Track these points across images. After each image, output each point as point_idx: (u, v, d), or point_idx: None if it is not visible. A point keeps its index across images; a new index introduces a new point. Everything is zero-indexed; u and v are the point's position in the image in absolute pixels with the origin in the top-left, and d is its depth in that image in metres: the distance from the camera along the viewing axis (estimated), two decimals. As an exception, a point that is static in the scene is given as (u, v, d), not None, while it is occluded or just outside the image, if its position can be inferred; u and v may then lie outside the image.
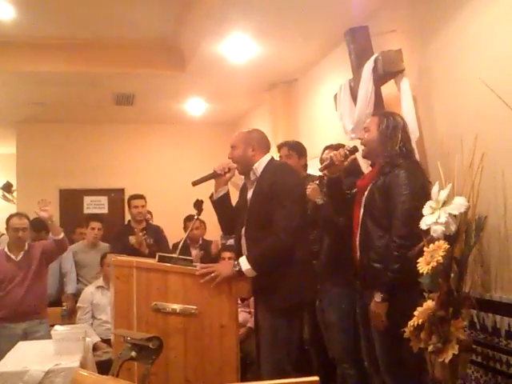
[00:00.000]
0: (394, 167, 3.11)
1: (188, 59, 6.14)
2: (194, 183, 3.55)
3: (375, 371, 3.32)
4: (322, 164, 4.02)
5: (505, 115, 2.66)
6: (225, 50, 5.48)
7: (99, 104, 7.95)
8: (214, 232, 6.51)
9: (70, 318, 5.65)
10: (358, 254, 3.26)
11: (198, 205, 3.55)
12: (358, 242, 3.27)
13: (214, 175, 3.57)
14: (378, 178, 3.18)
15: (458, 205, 2.79)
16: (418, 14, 3.94)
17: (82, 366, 3.54)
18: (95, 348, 4.94)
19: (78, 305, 5.50)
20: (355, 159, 3.75)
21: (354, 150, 3.45)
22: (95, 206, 9.32)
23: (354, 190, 3.48)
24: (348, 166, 3.56)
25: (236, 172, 3.57)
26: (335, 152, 3.46)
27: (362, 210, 3.27)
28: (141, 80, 6.75)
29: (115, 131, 9.19)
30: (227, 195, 3.60)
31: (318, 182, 3.89)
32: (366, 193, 3.27)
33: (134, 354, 1.98)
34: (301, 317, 3.50)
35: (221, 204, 3.59)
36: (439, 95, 3.67)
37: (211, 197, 3.60)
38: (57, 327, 3.94)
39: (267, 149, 3.52)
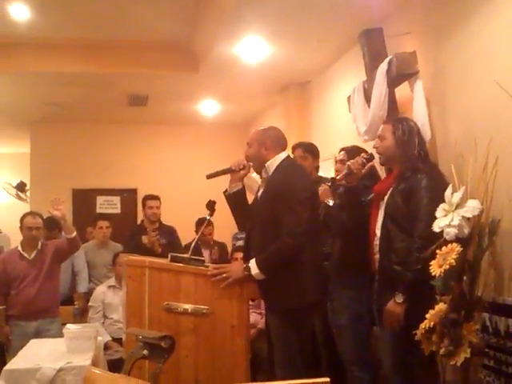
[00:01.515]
0: (415, 171, 3.14)
1: (201, 60, 6.17)
2: (209, 176, 3.58)
3: (391, 374, 3.33)
4: (335, 165, 4.04)
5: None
6: (238, 51, 5.49)
7: (113, 105, 8.00)
8: (224, 232, 6.53)
9: (81, 316, 5.68)
10: (378, 256, 3.27)
11: (211, 205, 3.57)
12: (377, 245, 3.28)
13: (229, 170, 3.58)
14: (399, 183, 3.21)
15: (472, 208, 2.79)
16: (432, 16, 3.93)
17: (94, 364, 3.56)
18: (106, 347, 4.95)
19: (89, 304, 5.53)
20: (373, 166, 3.74)
21: (371, 157, 3.49)
22: (108, 205, 9.37)
23: (370, 197, 3.49)
24: (366, 173, 3.57)
25: (251, 173, 3.60)
26: (352, 161, 3.49)
27: (381, 214, 3.29)
28: (154, 81, 6.78)
29: (129, 132, 9.24)
30: (242, 191, 3.61)
31: (330, 183, 3.89)
32: (385, 197, 3.29)
33: (146, 352, 1.99)
34: (310, 318, 3.50)
35: (235, 200, 3.59)
36: (453, 98, 3.66)
37: (225, 192, 3.62)
38: (69, 326, 3.97)
39: (282, 148, 3.51)
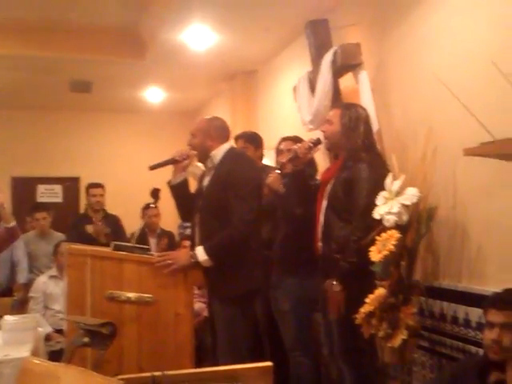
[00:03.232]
0: (357, 161, 3.16)
1: (148, 47, 6.08)
2: (152, 167, 3.56)
3: (333, 358, 3.40)
4: (277, 156, 4.07)
5: (457, 110, 2.72)
6: (185, 38, 5.44)
7: (55, 90, 7.77)
8: (169, 221, 6.50)
9: (21, 308, 5.55)
10: (320, 244, 3.31)
11: (155, 193, 3.56)
12: (320, 233, 3.32)
13: (172, 161, 3.58)
14: (342, 172, 3.24)
15: (411, 195, 2.87)
16: (377, 8, 3.99)
17: (34, 356, 3.48)
18: (48, 338, 4.85)
19: (29, 295, 5.40)
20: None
21: (318, 142, 3.48)
22: (49, 194, 9.16)
23: (318, 182, 3.53)
24: (312, 157, 3.59)
25: (195, 161, 3.61)
26: (299, 145, 3.51)
27: (325, 202, 3.32)
28: (99, 67, 6.65)
29: (71, 119, 9.02)
30: (185, 182, 3.62)
31: (279, 171, 3.90)
32: (329, 185, 3.32)
33: (86, 340, 1.97)
34: (254, 305, 3.54)
35: (178, 190, 3.60)
36: (395, 89, 3.74)
37: (169, 182, 3.62)
38: (6, 317, 3.87)
39: (226, 138, 3.55)
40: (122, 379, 1.88)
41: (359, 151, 3.20)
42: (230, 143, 3.58)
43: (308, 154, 3.46)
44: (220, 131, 3.51)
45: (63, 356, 2.13)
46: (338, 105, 3.57)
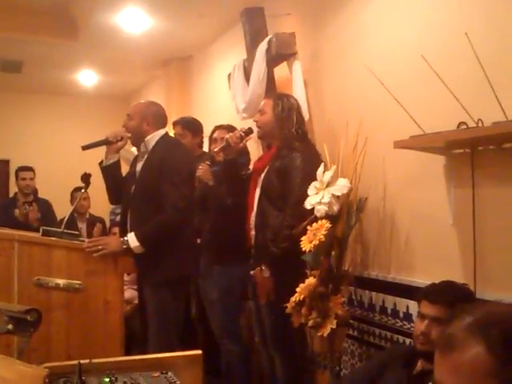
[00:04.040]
0: (291, 150, 3.22)
1: (81, 28, 5.92)
2: (85, 147, 3.51)
3: (264, 346, 3.44)
4: (210, 144, 4.08)
5: (387, 103, 2.78)
6: (119, 21, 5.35)
7: (-17, 70, 7.51)
8: (100, 206, 6.38)
9: None
10: (253, 233, 3.35)
11: (86, 178, 3.51)
12: (253, 222, 3.36)
13: (105, 142, 3.54)
14: (276, 161, 3.28)
15: (341, 186, 2.92)
16: (312, -1, 4.02)
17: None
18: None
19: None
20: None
21: (249, 131, 3.53)
22: (-23, 177, 8.84)
23: (249, 171, 3.56)
24: (243, 147, 3.62)
25: (129, 145, 3.57)
26: (231, 134, 3.55)
27: (258, 191, 3.36)
28: (30, 47, 6.42)
29: (1, 99, 8.71)
30: (117, 164, 3.59)
31: (209, 162, 3.91)
32: (263, 174, 3.36)
33: (10, 327, 1.92)
34: (185, 291, 3.54)
35: (110, 172, 3.57)
36: (329, 80, 3.78)
37: (101, 163, 3.57)
38: None
39: (163, 125, 3.55)
40: (47, 367, 1.85)
41: (293, 140, 3.26)
42: (165, 130, 3.56)
43: (239, 143, 3.50)
44: (157, 117, 3.50)
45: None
46: (270, 95, 3.61)
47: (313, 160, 3.21)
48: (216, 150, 3.67)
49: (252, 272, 3.23)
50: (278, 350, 3.34)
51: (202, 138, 4.51)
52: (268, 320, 3.30)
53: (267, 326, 3.33)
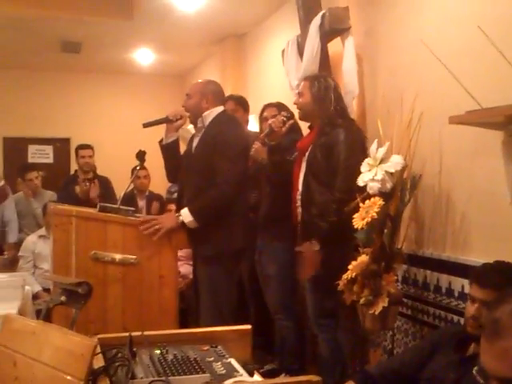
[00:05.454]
0: (334, 127, 3.25)
1: (136, 7, 5.99)
2: (146, 125, 3.59)
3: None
4: (261, 122, 4.12)
5: (443, 77, 2.71)
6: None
7: (45, 51, 7.68)
8: (159, 184, 6.49)
9: (11, 266, 5.59)
10: (300, 210, 3.35)
11: (141, 156, 3.56)
12: (299, 199, 3.37)
13: (165, 120, 3.62)
14: (319, 138, 3.29)
15: (395, 163, 2.87)
16: (367, -28, 3.93)
17: (21, 313, 3.52)
18: (36, 297, 4.91)
19: (19, 254, 5.44)
20: (295, 122, 3.81)
21: (291, 116, 3.65)
22: (40, 155, 9.12)
23: (295, 154, 3.57)
24: (287, 131, 3.65)
25: (187, 124, 3.63)
26: (273, 119, 3.65)
27: (303, 169, 3.39)
28: (87, 28, 6.54)
29: (62, 79, 8.93)
30: (176, 142, 3.66)
31: (261, 141, 3.93)
32: (307, 153, 3.38)
33: (63, 298, 2.01)
34: (237, 266, 3.56)
35: (169, 150, 3.64)
36: (383, 55, 3.71)
37: (160, 141, 3.64)
38: (-5, 275, 3.90)
39: (221, 102, 3.61)
40: (100, 338, 1.91)
41: (334, 117, 3.29)
42: (223, 107, 3.59)
43: (282, 127, 3.59)
44: (216, 94, 3.55)
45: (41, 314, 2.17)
46: (306, 77, 3.61)
47: (356, 135, 3.27)
48: (261, 135, 3.75)
49: (298, 248, 3.23)
50: (321, 328, 3.36)
51: (248, 116, 4.56)
52: (311, 296, 3.31)
53: (310, 302, 3.34)
